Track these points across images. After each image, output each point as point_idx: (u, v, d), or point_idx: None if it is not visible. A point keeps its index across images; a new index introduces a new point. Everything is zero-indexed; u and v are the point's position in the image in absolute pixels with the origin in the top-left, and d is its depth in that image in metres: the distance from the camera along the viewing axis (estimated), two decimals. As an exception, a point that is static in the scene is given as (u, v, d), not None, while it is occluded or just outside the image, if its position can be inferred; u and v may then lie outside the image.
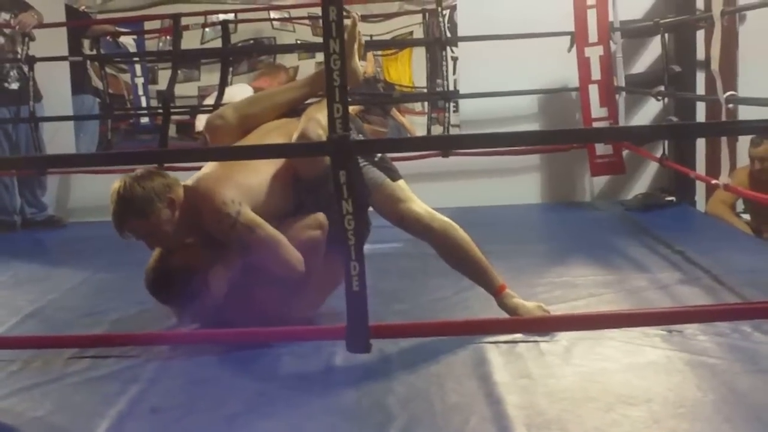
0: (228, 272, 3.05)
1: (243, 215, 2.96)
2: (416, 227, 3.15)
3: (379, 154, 3.19)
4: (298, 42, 6.49)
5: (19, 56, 5.79)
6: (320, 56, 5.60)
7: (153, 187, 3.04)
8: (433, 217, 3.16)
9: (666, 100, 5.51)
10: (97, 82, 6.37)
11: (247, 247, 3.00)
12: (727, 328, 2.94)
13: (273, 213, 3.09)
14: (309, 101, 3.42)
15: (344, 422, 2.36)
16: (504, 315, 3.07)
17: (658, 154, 5.51)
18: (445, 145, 3.05)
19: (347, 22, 2.93)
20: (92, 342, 2.97)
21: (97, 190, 5.87)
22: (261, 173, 3.11)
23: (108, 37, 6.52)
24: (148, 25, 6.53)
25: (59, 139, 6.05)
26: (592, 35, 5.59)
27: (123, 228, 3.09)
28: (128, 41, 6.68)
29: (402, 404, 2.44)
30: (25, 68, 5.79)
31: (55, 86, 6.06)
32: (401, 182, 3.21)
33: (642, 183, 6.15)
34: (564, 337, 2.90)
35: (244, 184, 3.04)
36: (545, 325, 2.89)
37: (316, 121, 3.06)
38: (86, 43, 6.38)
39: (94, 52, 6.37)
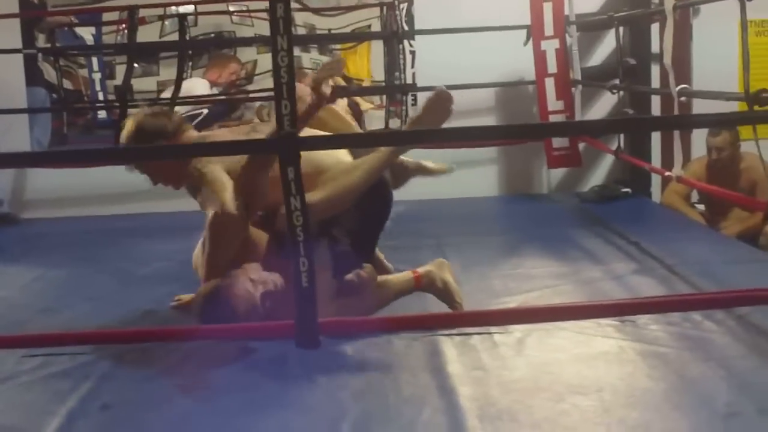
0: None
1: (206, 165, 2.95)
2: None
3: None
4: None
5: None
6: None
7: (165, 124, 3.08)
8: None
9: (621, 93, 5.55)
10: (50, 76, 6.27)
11: (195, 190, 3.01)
12: (679, 317, 2.96)
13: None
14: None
15: (297, 417, 2.36)
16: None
17: (614, 147, 5.55)
18: (399, 140, 3.04)
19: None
20: (46, 341, 2.93)
21: (54, 182, 5.88)
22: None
23: (65, 28, 6.43)
24: (106, 17, 6.45)
25: (13, 134, 5.95)
26: (548, 28, 5.63)
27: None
28: (87, 36, 6.60)
29: (355, 398, 2.44)
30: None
31: (7, 78, 5.97)
32: None
33: (598, 175, 6.21)
34: (517, 329, 2.90)
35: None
36: (499, 319, 2.91)
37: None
38: (42, 36, 6.29)
39: (50, 45, 6.28)
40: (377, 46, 6.46)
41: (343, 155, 3.14)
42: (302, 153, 2.93)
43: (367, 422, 2.29)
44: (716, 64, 5.72)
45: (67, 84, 6.30)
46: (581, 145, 5.86)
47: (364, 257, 3.18)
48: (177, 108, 5.85)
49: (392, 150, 3.06)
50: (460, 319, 2.90)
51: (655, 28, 5.78)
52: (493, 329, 2.91)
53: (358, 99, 6.27)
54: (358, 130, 3.42)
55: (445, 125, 2.98)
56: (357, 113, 6.15)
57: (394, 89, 6.10)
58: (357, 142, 3.05)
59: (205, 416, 2.38)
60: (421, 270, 3.27)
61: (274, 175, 2.51)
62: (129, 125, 3.11)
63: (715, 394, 2.38)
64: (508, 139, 5.78)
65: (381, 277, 3.23)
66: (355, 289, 3.05)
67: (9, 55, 5.91)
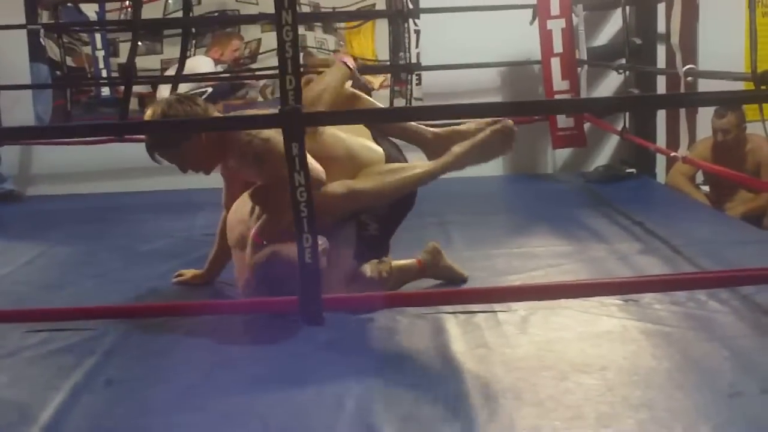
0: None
1: (261, 132, 2.89)
2: None
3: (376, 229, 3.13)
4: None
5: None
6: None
7: (194, 110, 2.98)
8: None
9: (627, 73, 5.53)
10: (54, 53, 6.24)
11: (262, 159, 2.90)
12: (683, 296, 2.97)
13: None
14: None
15: (301, 393, 2.36)
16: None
17: (619, 127, 5.53)
18: (405, 116, 3.04)
19: None
20: (50, 316, 2.93)
21: (57, 160, 5.88)
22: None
23: (69, 4, 6.39)
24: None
25: (18, 109, 5.93)
26: (554, 8, 5.58)
27: (154, 153, 3.06)
28: (91, 14, 6.56)
29: (359, 375, 2.44)
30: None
31: (10, 55, 5.94)
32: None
33: (603, 155, 6.19)
34: (521, 307, 2.91)
35: None
36: (503, 296, 2.90)
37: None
38: (46, 14, 6.25)
39: (53, 21, 6.25)
40: (381, 26, 6.43)
41: (374, 145, 3.16)
42: (335, 137, 3.01)
43: (371, 399, 2.29)
44: (722, 45, 5.70)
45: (69, 61, 6.28)
46: (586, 126, 5.84)
47: (386, 245, 3.20)
48: (181, 86, 5.85)
49: (447, 164, 3.08)
50: (465, 296, 2.90)
51: (661, 8, 5.75)
52: (497, 308, 2.92)
53: (369, 78, 6.24)
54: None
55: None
56: (367, 93, 6.13)
57: (399, 69, 6.08)
58: (363, 118, 3.03)
59: (209, 391, 2.39)
60: (424, 260, 3.28)
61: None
62: (152, 112, 3.00)
63: (718, 374, 2.39)
64: (514, 116, 5.74)
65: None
66: (372, 285, 3.04)
67: (12, 32, 5.87)
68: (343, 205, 2.99)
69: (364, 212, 3.08)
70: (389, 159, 3.16)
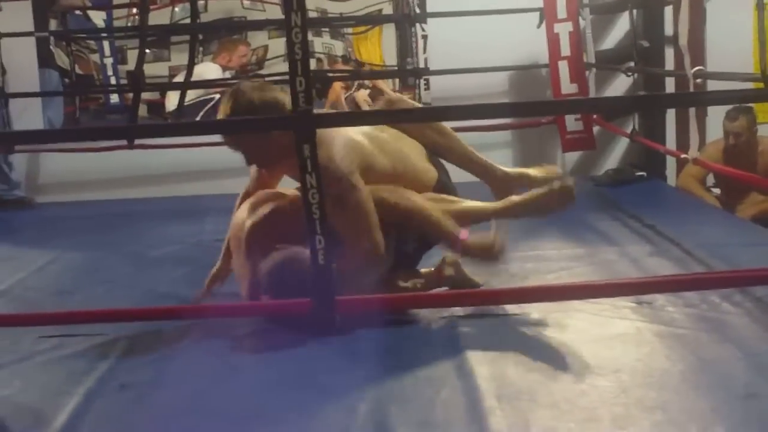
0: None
1: (353, 175, 2.82)
2: None
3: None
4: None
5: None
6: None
7: (269, 100, 2.83)
8: None
9: (635, 75, 5.52)
10: (63, 61, 6.26)
11: (343, 204, 2.78)
12: (696, 299, 2.96)
13: None
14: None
15: (313, 397, 2.35)
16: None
17: (629, 130, 5.52)
18: (412, 117, 3.05)
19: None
20: (62, 319, 2.94)
21: (68, 167, 5.90)
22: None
23: (77, 11, 6.41)
24: (117, 1, 6.44)
25: (28, 116, 5.94)
26: (561, 11, 5.57)
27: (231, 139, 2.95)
28: (99, 22, 6.59)
29: (372, 378, 2.43)
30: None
31: (20, 62, 5.96)
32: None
33: (613, 158, 6.18)
34: (534, 310, 2.91)
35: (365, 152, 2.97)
36: (517, 297, 2.90)
37: None
38: (54, 22, 6.27)
39: (61, 29, 6.27)
40: (389, 31, 6.44)
41: (430, 166, 3.20)
42: (401, 153, 3.05)
43: (384, 402, 2.28)
44: (729, 47, 5.70)
45: (77, 69, 6.30)
46: (595, 129, 5.83)
47: (417, 262, 3.21)
48: (189, 93, 5.85)
49: (502, 210, 3.10)
50: (480, 297, 2.90)
51: (668, 10, 5.75)
52: (510, 310, 2.91)
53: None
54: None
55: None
56: None
57: (407, 74, 6.08)
58: (373, 119, 3.02)
59: (222, 395, 2.38)
60: (446, 273, 3.23)
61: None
62: (230, 99, 2.84)
63: (732, 375, 2.38)
64: (523, 117, 5.75)
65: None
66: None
67: (22, 39, 5.89)
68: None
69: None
70: (439, 182, 3.19)
